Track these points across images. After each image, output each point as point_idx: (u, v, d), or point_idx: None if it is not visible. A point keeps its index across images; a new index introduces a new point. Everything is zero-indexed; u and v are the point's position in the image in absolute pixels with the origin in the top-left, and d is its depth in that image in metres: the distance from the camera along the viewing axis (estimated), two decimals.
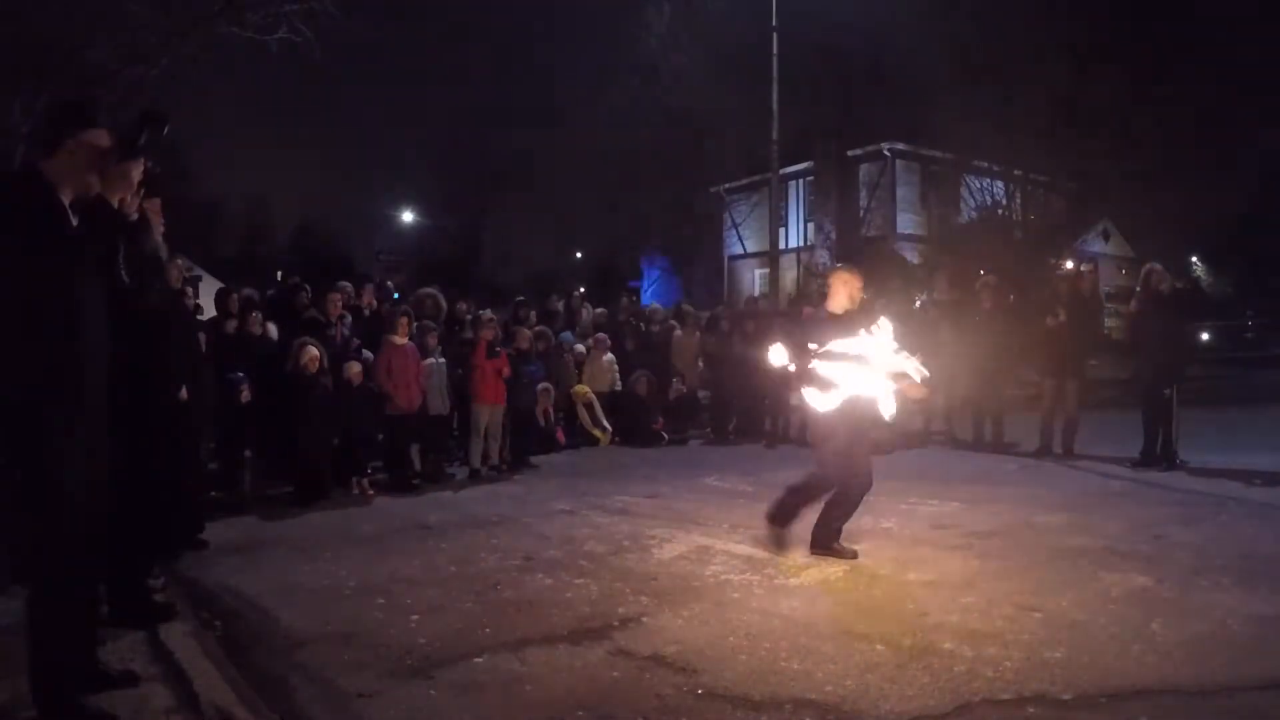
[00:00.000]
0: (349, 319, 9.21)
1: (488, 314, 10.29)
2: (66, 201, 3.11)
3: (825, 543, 5.45)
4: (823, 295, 5.59)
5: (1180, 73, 20.87)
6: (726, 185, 31.04)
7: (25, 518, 3.09)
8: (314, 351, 7.98)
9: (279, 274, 10.41)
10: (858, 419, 5.36)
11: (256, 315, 8.40)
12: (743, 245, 32.04)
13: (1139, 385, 8.96)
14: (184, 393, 5.24)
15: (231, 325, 8.18)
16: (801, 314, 11.79)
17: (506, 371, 9.34)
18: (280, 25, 10.53)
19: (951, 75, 22.20)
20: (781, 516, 5.62)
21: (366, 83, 63.53)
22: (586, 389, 11.60)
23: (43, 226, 3.00)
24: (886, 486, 5.66)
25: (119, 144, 3.18)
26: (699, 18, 29.42)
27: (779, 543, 5.56)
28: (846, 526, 6.22)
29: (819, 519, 5.49)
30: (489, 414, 9.23)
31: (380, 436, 8.78)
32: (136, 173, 3.18)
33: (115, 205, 3.14)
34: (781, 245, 23.21)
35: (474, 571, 5.42)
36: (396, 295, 11.42)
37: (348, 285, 9.60)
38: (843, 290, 5.56)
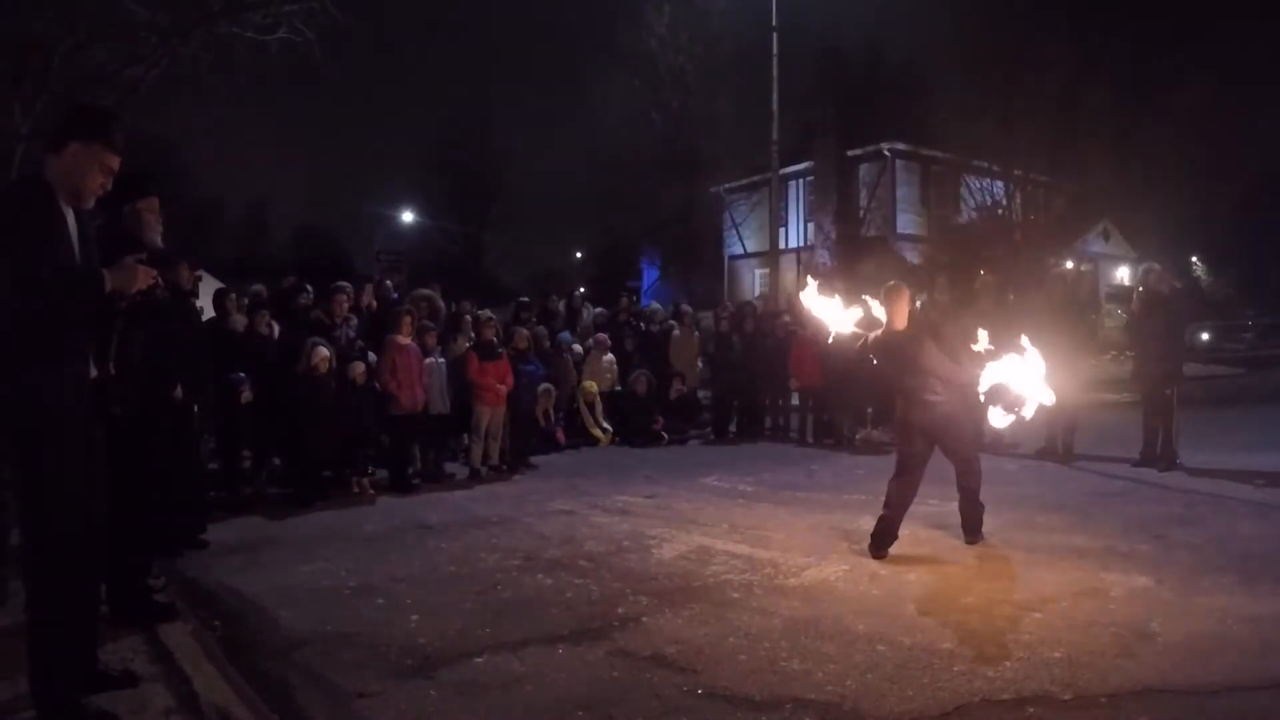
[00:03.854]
0: (355, 320, 9.21)
1: (486, 314, 10.28)
2: (65, 204, 3.10)
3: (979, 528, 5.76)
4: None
5: (1180, 72, 20.89)
6: (726, 185, 31.05)
7: (25, 518, 3.08)
8: (325, 352, 7.98)
9: (291, 275, 10.43)
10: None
11: (265, 314, 8.42)
12: (743, 245, 32.04)
13: (1139, 385, 8.96)
14: (179, 392, 5.23)
15: (241, 323, 8.20)
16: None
17: (509, 382, 9.33)
18: (280, 25, 10.53)
19: (951, 75, 22.22)
20: (975, 527, 5.74)
21: (367, 82, 63.56)
22: (594, 386, 11.58)
23: (42, 237, 2.96)
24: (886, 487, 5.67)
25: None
26: (699, 18, 29.47)
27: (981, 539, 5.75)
28: (849, 526, 6.25)
29: (972, 508, 5.72)
30: (490, 415, 9.23)
31: (385, 439, 8.77)
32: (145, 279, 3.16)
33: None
34: (781, 245, 23.20)
35: (474, 571, 5.42)
36: (396, 295, 11.39)
37: (347, 285, 9.59)
38: (902, 307, 5.73)
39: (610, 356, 11.94)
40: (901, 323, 5.71)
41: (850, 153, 28.34)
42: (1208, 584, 4.71)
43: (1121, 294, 22.87)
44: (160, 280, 3.26)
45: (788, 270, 26.35)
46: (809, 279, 6.46)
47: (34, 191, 3.07)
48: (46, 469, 2.98)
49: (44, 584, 3.03)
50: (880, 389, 10.10)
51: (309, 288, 9.24)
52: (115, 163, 3.19)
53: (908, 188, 28.18)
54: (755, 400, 12.27)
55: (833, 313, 5.93)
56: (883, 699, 3.39)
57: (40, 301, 2.91)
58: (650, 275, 34.06)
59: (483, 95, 77.39)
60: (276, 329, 8.58)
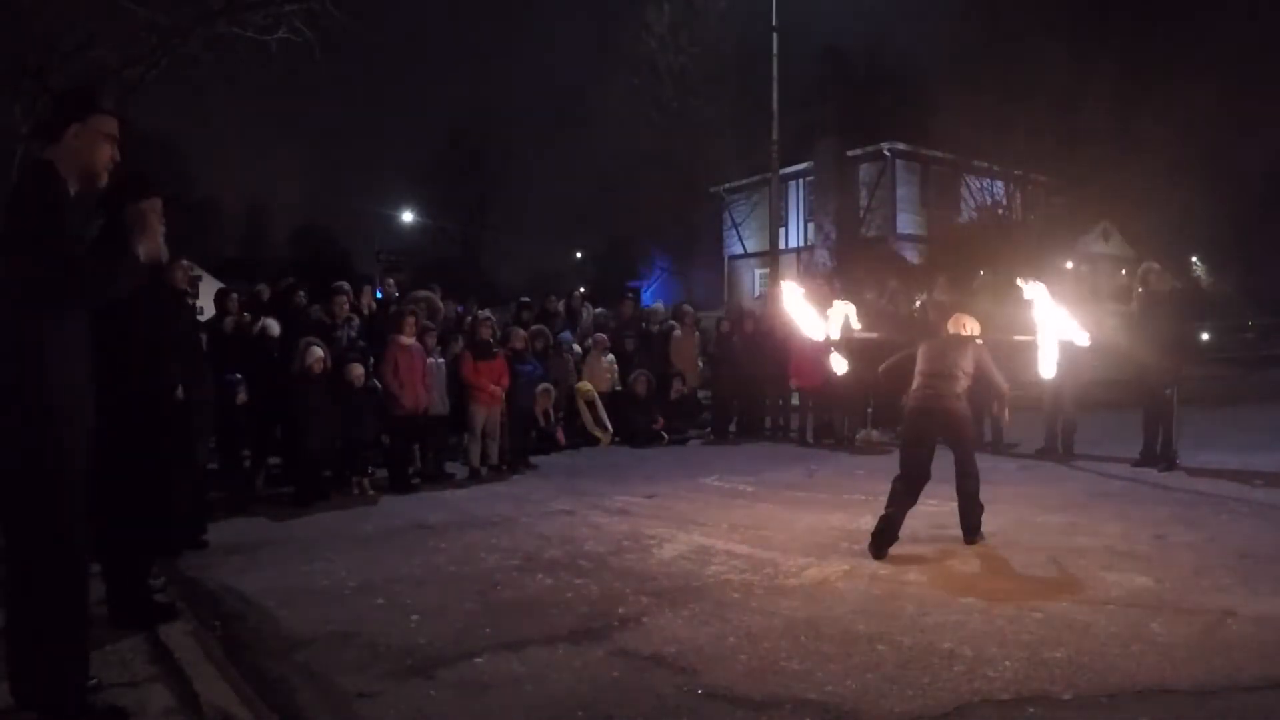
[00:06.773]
0: (356, 321, 9.21)
1: (485, 314, 10.27)
2: (73, 192, 3.08)
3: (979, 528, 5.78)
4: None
5: (1180, 72, 20.88)
6: (726, 185, 31.06)
7: (18, 513, 3.05)
8: (318, 352, 7.98)
9: (289, 276, 10.52)
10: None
11: (257, 315, 8.43)
12: (743, 245, 32.04)
13: (1139, 385, 8.95)
14: (180, 392, 5.23)
15: (230, 323, 8.18)
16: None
17: (505, 382, 9.32)
18: (280, 25, 10.54)
19: (952, 76, 22.21)
20: (975, 527, 5.75)
21: (367, 82, 63.54)
22: (590, 386, 11.58)
23: (50, 231, 2.95)
24: (887, 487, 5.67)
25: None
26: (700, 18, 29.49)
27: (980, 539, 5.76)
28: (849, 526, 6.25)
29: (972, 509, 5.75)
30: (485, 415, 9.21)
31: (386, 440, 8.76)
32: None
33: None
34: (781, 245, 23.20)
35: (474, 571, 5.42)
36: (397, 295, 11.40)
37: (346, 286, 9.59)
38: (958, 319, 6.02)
39: (610, 356, 11.94)
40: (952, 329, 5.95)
41: (850, 153, 28.36)
42: (1208, 584, 4.71)
43: (1120, 294, 22.85)
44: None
45: (788, 270, 26.37)
46: (791, 281, 6.62)
47: (55, 180, 3.04)
48: (48, 471, 2.96)
49: (38, 581, 2.99)
50: (884, 385, 10.14)
51: (303, 288, 9.25)
52: (115, 128, 3.19)
53: (908, 188, 28.20)
54: (755, 400, 12.27)
55: (811, 315, 5.91)
56: (883, 699, 3.39)
57: (69, 286, 2.92)
58: (655, 273, 34.08)
59: (483, 95, 77.39)
60: (275, 326, 8.57)
